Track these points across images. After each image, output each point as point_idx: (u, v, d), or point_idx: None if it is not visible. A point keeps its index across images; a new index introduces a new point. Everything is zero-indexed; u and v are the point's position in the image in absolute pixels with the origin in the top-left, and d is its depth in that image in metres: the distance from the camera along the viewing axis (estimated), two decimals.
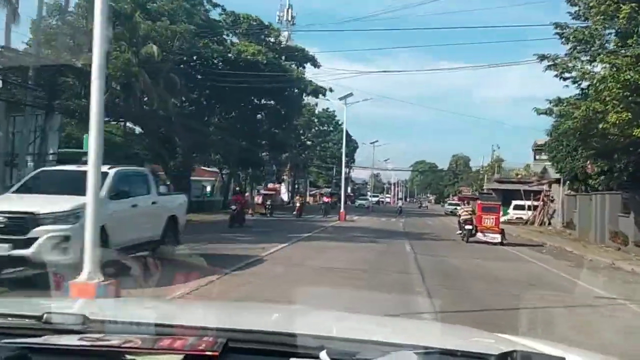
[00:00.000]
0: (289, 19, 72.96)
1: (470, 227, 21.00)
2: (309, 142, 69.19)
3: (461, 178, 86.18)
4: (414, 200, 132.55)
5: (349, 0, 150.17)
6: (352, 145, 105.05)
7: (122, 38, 29.40)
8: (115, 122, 34.35)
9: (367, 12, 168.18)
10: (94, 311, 1.91)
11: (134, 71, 28.49)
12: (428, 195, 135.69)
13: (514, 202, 36.93)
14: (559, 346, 1.90)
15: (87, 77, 9.86)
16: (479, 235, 20.71)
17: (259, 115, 52.28)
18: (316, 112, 69.34)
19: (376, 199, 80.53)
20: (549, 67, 16.80)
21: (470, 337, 2.14)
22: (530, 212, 35.49)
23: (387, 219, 36.91)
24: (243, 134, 49.53)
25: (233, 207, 26.73)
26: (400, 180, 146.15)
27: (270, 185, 47.54)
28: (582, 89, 17.33)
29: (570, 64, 16.67)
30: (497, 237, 20.41)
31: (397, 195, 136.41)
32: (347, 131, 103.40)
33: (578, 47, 16.67)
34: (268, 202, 37.48)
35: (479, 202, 23.17)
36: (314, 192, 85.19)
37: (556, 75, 16.74)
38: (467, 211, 22.53)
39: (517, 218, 36.19)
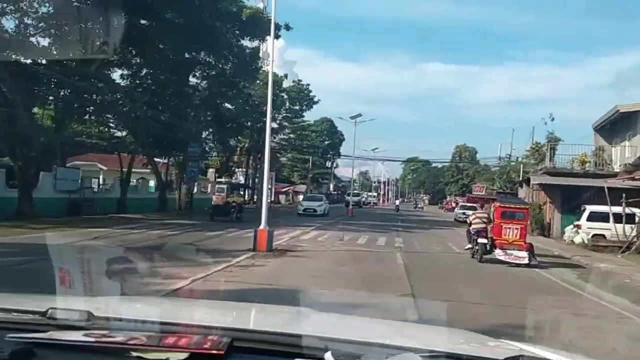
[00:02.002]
0: None
1: (484, 240, 15.24)
2: (275, 124, 53.29)
3: (467, 174, 70.54)
4: (405, 200, 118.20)
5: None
6: (338, 138, 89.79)
7: None
8: None
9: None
10: (99, 307, 1.88)
11: None
12: (422, 195, 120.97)
13: (589, 209, 21.46)
14: (564, 353, 1.88)
15: None
16: (498, 253, 15.02)
17: (193, 78, 36.82)
18: (284, 85, 53.64)
19: (357, 198, 62.79)
20: None
21: (476, 342, 2.13)
22: (621, 227, 20.04)
23: (371, 240, 19.89)
24: (166, 102, 34.03)
25: None
26: (390, 179, 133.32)
27: None
28: None
29: None
30: (524, 256, 14.74)
31: (387, 193, 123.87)
32: (332, 121, 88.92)
33: None
34: None
35: (497, 205, 16.48)
36: (286, 188, 69.39)
37: None
38: (480, 218, 16.12)
39: (594, 236, 20.76)
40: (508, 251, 14.92)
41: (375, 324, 2.32)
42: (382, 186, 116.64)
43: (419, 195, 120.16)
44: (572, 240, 20.72)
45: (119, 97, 30.77)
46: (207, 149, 44.43)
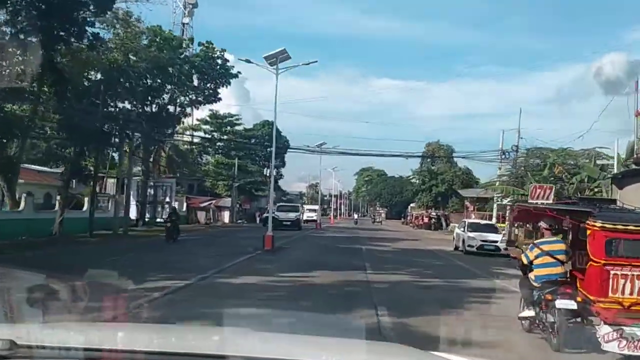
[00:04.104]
0: None
1: (570, 303, 7.55)
2: (172, 108, 36.04)
3: (442, 179, 54.83)
4: (360, 214, 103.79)
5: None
6: (282, 143, 72.33)
7: None
8: None
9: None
10: (22, 336, 1.82)
11: None
12: (378, 208, 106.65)
13: None
14: None
15: None
16: (606, 333, 6.90)
17: None
18: (190, 49, 36.68)
19: (294, 215, 42.42)
20: None
21: (398, 354, 2.25)
22: None
23: None
24: None
25: None
26: (343, 192, 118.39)
27: None
28: None
29: None
30: None
31: (340, 207, 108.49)
32: (276, 127, 71.60)
33: None
34: None
35: (595, 225, 7.32)
36: (206, 203, 51.78)
37: None
38: (550, 254, 8.45)
39: None
40: (626, 330, 6.78)
41: (300, 340, 2.35)
42: (334, 200, 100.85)
43: (375, 209, 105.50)
44: None
45: None
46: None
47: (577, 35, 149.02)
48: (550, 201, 14.18)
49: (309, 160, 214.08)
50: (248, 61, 21.28)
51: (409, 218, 67.77)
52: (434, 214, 51.64)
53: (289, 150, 61.10)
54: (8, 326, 2.32)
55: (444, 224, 51.23)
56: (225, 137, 58.80)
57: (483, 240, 21.50)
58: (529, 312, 8.69)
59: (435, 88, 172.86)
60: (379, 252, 21.30)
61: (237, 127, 60.73)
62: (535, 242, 9.40)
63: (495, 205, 32.59)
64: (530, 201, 14.25)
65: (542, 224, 9.32)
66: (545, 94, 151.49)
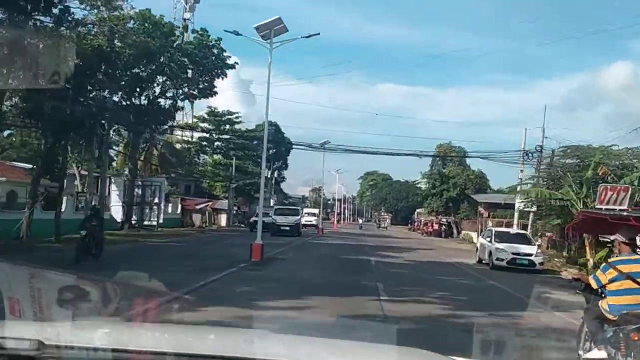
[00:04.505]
0: None
1: None
2: (165, 100, 32.98)
3: (454, 183, 51.51)
4: (365, 219, 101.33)
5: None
6: (284, 145, 69.10)
7: None
8: None
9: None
10: (50, 336, 1.80)
11: None
12: (383, 213, 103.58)
13: None
14: None
15: None
16: None
17: None
18: (184, 37, 33.69)
19: (294, 219, 36.01)
20: None
21: None
22: None
23: None
24: None
25: None
26: (347, 196, 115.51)
27: None
28: None
29: None
30: None
31: (344, 212, 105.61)
32: (277, 126, 67.88)
33: None
34: None
35: None
36: (202, 205, 48.60)
37: None
38: (638, 278, 6.49)
39: None
40: None
41: (328, 345, 2.29)
42: (337, 204, 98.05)
43: (380, 214, 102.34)
44: None
45: None
46: None
47: (584, 43, 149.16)
48: (625, 206, 10.94)
49: (313, 164, 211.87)
50: (237, 33, 18.20)
51: (416, 224, 64.69)
52: (444, 220, 48.55)
53: (292, 146, 58.05)
54: (36, 326, 2.23)
55: (455, 231, 48.27)
56: (224, 136, 55.78)
57: (514, 253, 18.21)
58: (600, 353, 6.80)
59: (440, 94, 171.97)
60: (391, 266, 18.00)
61: (236, 126, 57.75)
62: (610, 261, 7.42)
63: (516, 212, 29.40)
64: (599, 206, 11.04)
65: (618, 237, 7.21)
66: (552, 100, 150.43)
